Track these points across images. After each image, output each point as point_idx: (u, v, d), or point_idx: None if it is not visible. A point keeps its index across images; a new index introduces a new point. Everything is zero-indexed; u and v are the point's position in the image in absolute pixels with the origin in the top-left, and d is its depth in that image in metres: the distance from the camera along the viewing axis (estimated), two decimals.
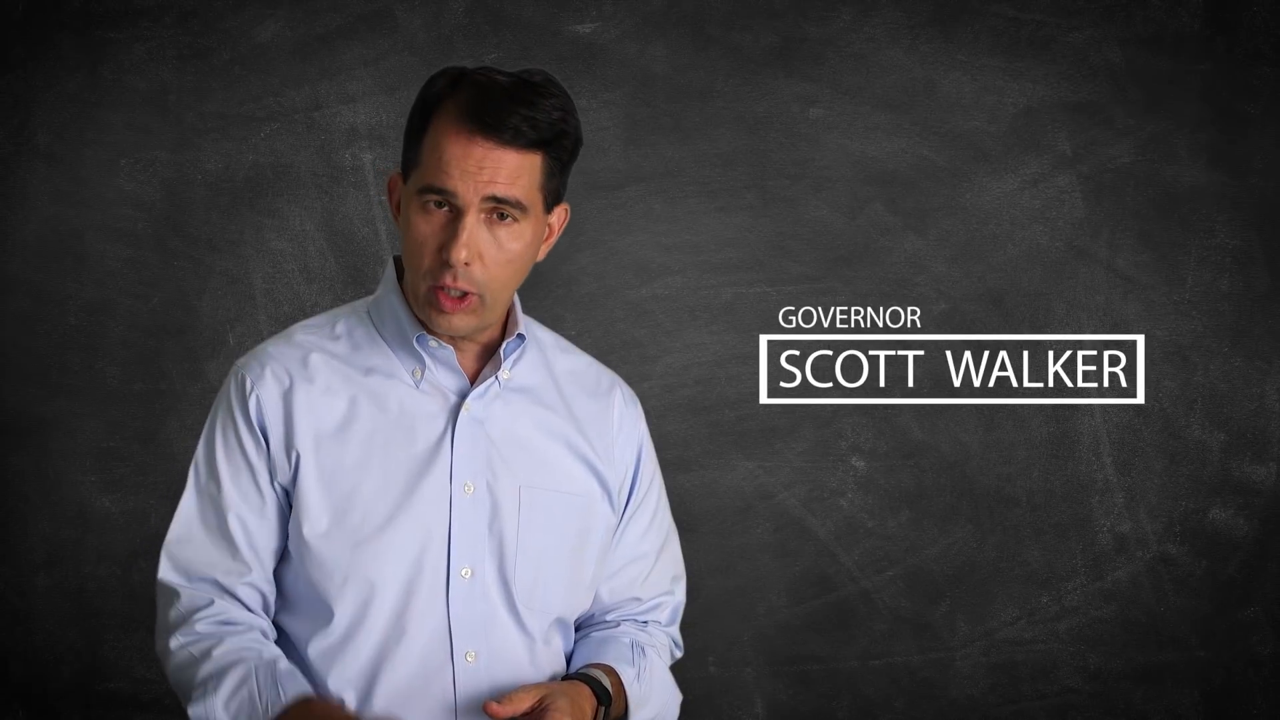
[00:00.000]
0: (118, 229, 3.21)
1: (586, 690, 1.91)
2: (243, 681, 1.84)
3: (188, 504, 1.94)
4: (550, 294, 3.20)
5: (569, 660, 2.04)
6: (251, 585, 1.91)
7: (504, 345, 1.96)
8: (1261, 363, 3.23)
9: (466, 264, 1.85)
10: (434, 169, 1.85)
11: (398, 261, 1.99)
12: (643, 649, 2.03)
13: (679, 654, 2.14)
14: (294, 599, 1.92)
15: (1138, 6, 3.21)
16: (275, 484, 1.92)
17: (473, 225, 1.85)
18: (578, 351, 2.11)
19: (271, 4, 3.21)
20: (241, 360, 1.97)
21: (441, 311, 1.88)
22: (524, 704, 1.83)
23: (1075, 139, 3.22)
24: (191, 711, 1.85)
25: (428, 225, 1.87)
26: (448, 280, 1.86)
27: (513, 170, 1.85)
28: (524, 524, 1.94)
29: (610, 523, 2.03)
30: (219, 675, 1.84)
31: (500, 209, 1.86)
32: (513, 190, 1.85)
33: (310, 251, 3.23)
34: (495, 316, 1.94)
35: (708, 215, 3.24)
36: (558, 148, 1.88)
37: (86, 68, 3.19)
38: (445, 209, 1.86)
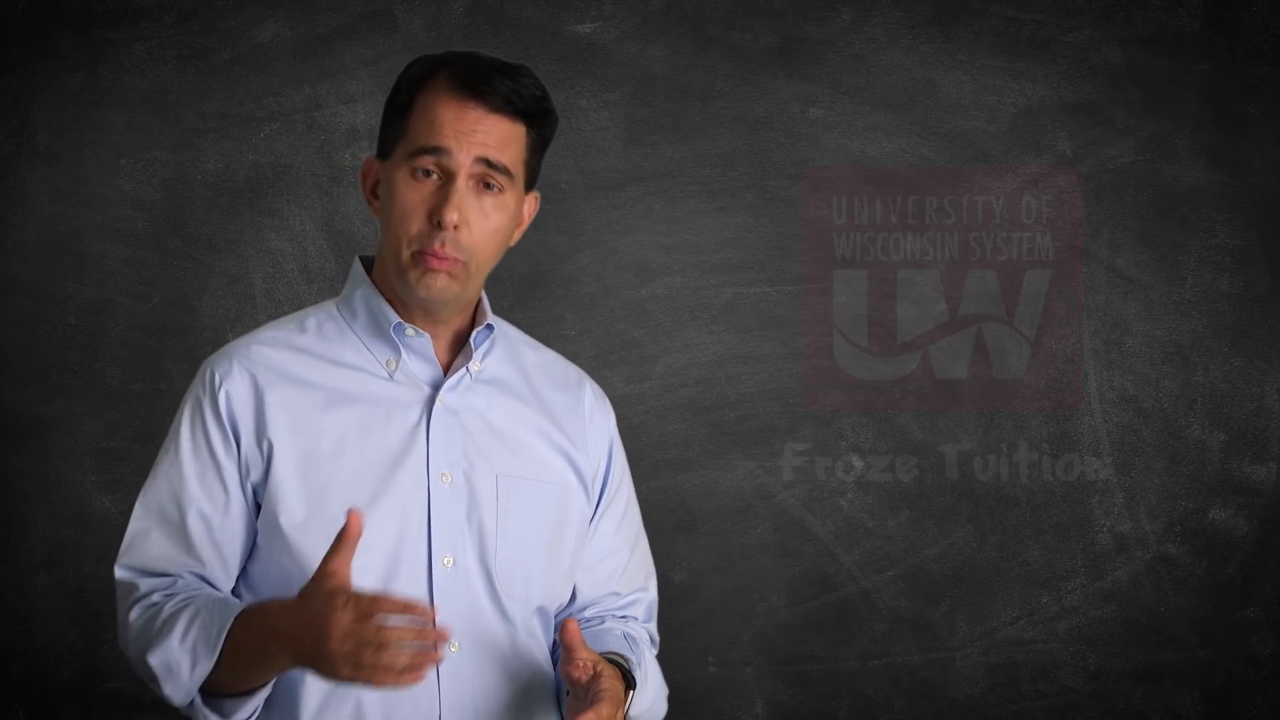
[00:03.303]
0: (118, 229, 3.21)
1: (619, 675, 1.91)
2: (194, 617, 1.83)
3: (146, 500, 1.94)
4: (550, 294, 3.20)
5: (552, 652, 2.03)
6: (202, 579, 1.91)
7: (474, 335, 1.97)
8: (1261, 363, 3.23)
9: (456, 227, 1.86)
10: (426, 132, 1.88)
11: (365, 261, 2.00)
12: (635, 640, 2.04)
13: (655, 651, 2.15)
14: (272, 593, 1.91)
15: (1138, 6, 3.21)
16: (245, 483, 1.91)
17: (464, 189, 1.88)
18: (544, 347, 2.13)
19: (271, 4, 3.21)
20: (210, 358, 1.98)
21: (427, 269, 1.88)
22: (584, 654, 1.82)
23: (1075, 139, 3.22)
24: (150, 659, 1.83)
25: (416, 193, 1.89)
26: (436, 246, 1.87)
27: (503, 136, 1.89)
28: (503, 513, 1.94)
29: (586, 512, 2.04)
30: (171, 619, 1.84)
31: (488, 176, 1.89)
32: (502, 156, 1.89)
33: (310, 251, 3.23)
34: (473, 292, 1.95)
35: (708, 215, 3.24)
36: (541, 123, 1.93)
37: (86, 68, 3.19)
38: (433, 177, 1.88)
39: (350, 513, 1.72)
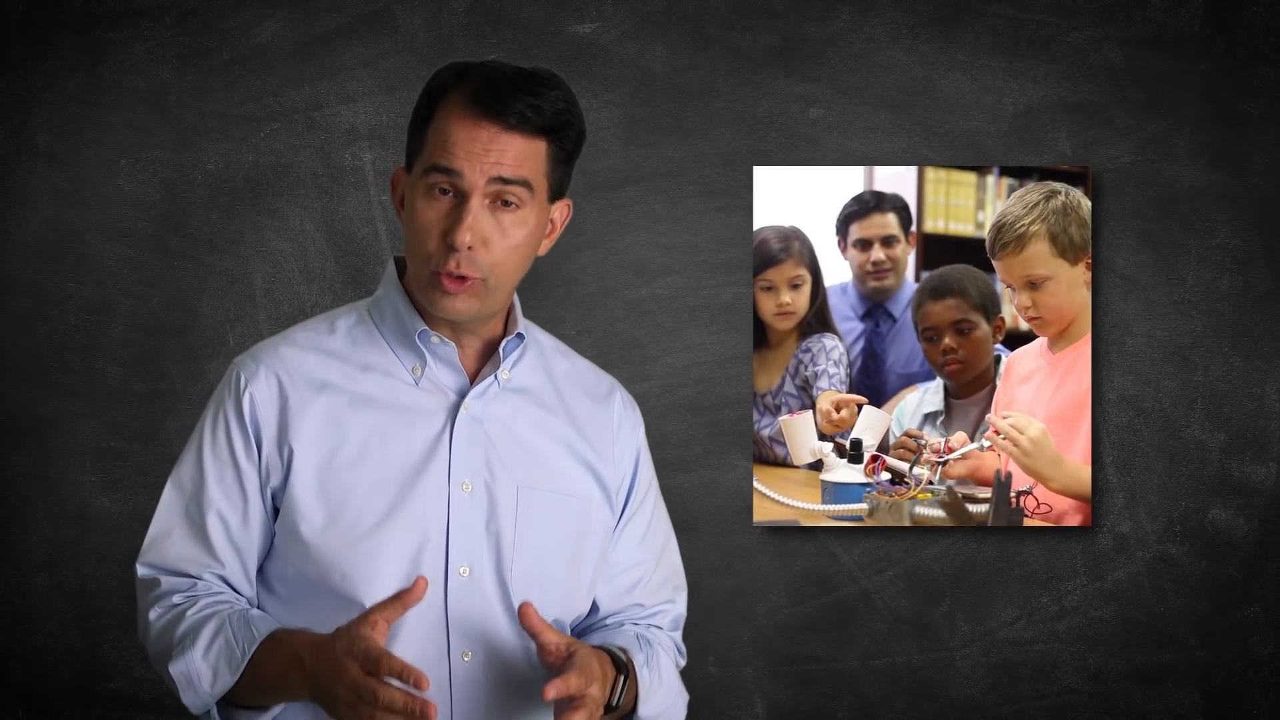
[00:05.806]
0: (118, 229, 3.21)
1: (607, 658, 1.90)
2: (218, 631, 1.84)
3: (169, 500, 1.95)
4: (550, 294, 3.20)
5: None
6: (223, 580, 1.92)
7: (503, 344, 1.96)
8: (1261, 363, 3.23)
9: (470, 248, 1.85)
10: (440, 150, 1.86)
11: (399, 262, 1.99)
12: (649, 640, 2.02)
13: (682, 662, 2.13)
14: (288, 597, 1.92)
15: (1138, 6, 3.21)
16: (264, 488, 1.91)
17: (477, 209, 1.86)
18: (577, 355, 2.11)
19: (271, 4, 3.21)
20: (239, 358, 1.97)
21: (444, 293, 1.87)
22: (549, 636, 1.83)
23: (1075, 139, 3.22)
24: (172, 668, 1.85)
25: (432, 211, 1.87)
26: (451, 266, 1.86)
27: (518, 154, 1.86)
28: (521, 524, 1.94)
29: (609, 525, 2.02)
30: (194, 630, 1.85)
31: (505, 193, 1.87)
32: (519, 171, 1.86)
33: (310, 251, 3.23)
34: (497, 305, 1.94)
35: (708, 215, 3.24)
36: (562, 136, 1.90)
37: (86, 68, 3.20)
38: (450, 195, 1.87)
39: (418, 579, 1.77)
